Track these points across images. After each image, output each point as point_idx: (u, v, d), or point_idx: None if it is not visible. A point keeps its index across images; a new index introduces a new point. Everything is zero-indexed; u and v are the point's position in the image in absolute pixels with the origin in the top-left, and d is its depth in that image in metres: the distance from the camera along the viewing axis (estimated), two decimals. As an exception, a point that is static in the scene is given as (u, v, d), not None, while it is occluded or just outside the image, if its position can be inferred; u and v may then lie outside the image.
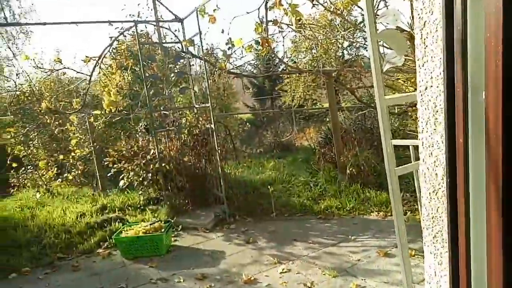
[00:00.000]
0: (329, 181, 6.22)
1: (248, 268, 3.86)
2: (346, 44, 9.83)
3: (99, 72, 6.21)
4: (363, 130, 7.29)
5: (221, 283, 3.60)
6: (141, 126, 7.13)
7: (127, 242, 4.38)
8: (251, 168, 7.73)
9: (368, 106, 7.05)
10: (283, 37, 4.86)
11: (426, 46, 1.21)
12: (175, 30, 6.34)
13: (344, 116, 8.12)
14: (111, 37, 5.97)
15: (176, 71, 6.31)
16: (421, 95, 1.25)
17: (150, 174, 5.71)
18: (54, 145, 8.21)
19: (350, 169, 5.95)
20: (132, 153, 5.90)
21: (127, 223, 5.14)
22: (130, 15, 10.71)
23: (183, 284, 3.64)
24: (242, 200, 5.73)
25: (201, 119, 6.01)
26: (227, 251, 4.35)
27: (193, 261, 4.16)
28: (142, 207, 5.86)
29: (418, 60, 1.25)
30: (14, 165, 7.29)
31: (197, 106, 6.11)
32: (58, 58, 6.23)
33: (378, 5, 3.81)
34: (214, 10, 4.46)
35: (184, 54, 5.84)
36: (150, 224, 4.57)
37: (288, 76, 10.62)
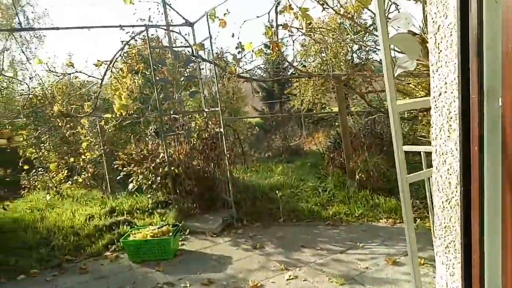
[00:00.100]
0: (338, 187, 6.16)
1: (255, 274, 3.82)
2: (355, 47, 9.79)
3: (110, 76, 6.27)
4: (373, 135, 7.22)
5: (228, 288, 3.57)
6: (151, 129, 7.16)
7: (134, 245, 4.38)
8: (259, 173, 7.70)
9: (378, 111, 6.99)
10: (293, 41, 4.84)
11: (440, 51, 1.18)
12: (185, 34, 6.37)
13: (354, 120, 8.06)
14: (122, 41, 6.01)
15: (186, 75, 6.34)
16: (435, 101, 1.21)
17: (159, 178, 5.72)
18: (65, 147, 8.29)
19: (359, 174, 5.88)
20: (141, 156, 5.92)
21: (135, 226, 5.15)
22: (141, 19, 10.80)
23: (190, 289, 3.63)
24: (250, 204, 5.70)
25: (210, 123, 6.01)
26: (234, 256, 4.32)
27: (200, 265, 4.14)
28: (150, 211, 5.87)
29: (432, 65, 1.22)
30: (26, 167, 7.37)
31: (206, 110, 6.12)
32: (71, 62, 6.31)
33: (389, 8, 3.77)
34: (224, 15, 4.48)
35: (194, 58, 5.86)
36: (158, 228, 4.57)
37: (297, 79, 10.59)
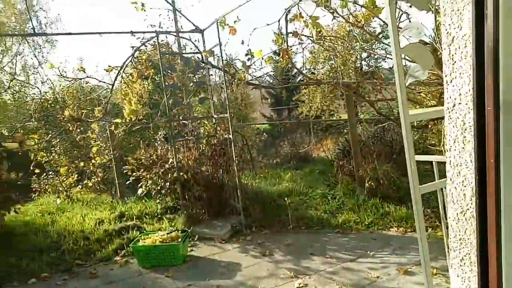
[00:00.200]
0: (347, 194, 6.13)
1: (264, 282, 3.81)
2: (364, 55, 9.78)
3: (120, 81, 6.34)
4: (382, 143, 7.17)
5: (237, 295, 3.57)
6: (160, 135, 7.22)
7: (144, 251, 4.40)
8: (268, 179, 7.70)
9: (387, 119, 6.95)
10: (303, 49, 4.85)
11: (455, 62, 1.18)
12: (195, 40, 6.43)
13: (363, 128, 8.03)
14: (132, 47, 6.09)
15: (195, 81, 6.39)
16: (449, 112, 1.21)
17: (168, 183, 5.75)
18: (75, 152, 8.38)
19: (369, 182, 5.85)
20: (150, 161, 5.97)
21: (144, 231, 5.17)
22: (151, 25, 10.95)
23: (198, 295, 3.63)
24: (258, 211, 5.69)
25: (219, 128, 6.04)
26: (243, 263, 4.32)
27: (209, 272, 4.14)
28: (159, 216, 5.90)
29: (446, 76, 1.22)
30: (37, 171, 7.46)
31: (215, 116, 6.15)
32: (82, 67, 6.40)
33: (400, 17, 3.77)
34: (234, 22, 4.51)
35: (204, 64, 5.91)
36: (167, 233, 4.59)
37: (306, 86, 10.60)
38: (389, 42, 2.10)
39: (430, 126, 6.04)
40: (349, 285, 3.55)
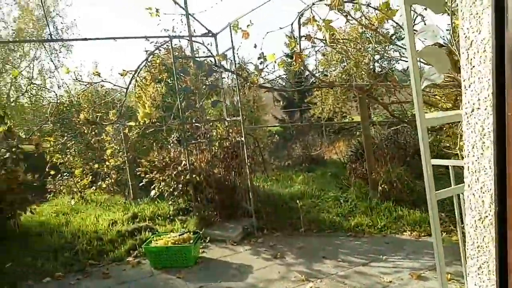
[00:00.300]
0: (360, 198, 6.07)
1: (275, 284, 3.80)
2: (377, 56, 9.69)
3: (134, 85, 6.41)
4: (396, 145, 7.10)
5: (249, 298, 3.56)
6: (173, 137, 7.27)
7: (156, 252, 4.43)
8: (279, 181, 7.68)
9: (401, 121, 6.88)
10: (316, 52, 4.84)
11: (473, 66, 1.16)
12: (208, 44, 6.48)
13: (376, 130, 7.96)
14: (146, 51, 6.16)
15: (208, 84, 6.43)
16: (467, 117, 1.19)
17: (180, 185, 5.79)
18: (89, 154, 8.52)
19: (382, 185, 5.78)
20: (163, 164, 6.02)
21: (157, 232, 5.21)
22: (164, 29, 11.05)
23: (210, 298, 3.63)
24: (270, 213, 5.68)
25: (231, 131, 6.06)
26: (254, 265, 4.31)
27: (220, 274, 4.15)
28: (171, 217, 5.94)
29: (464, 80, 1.20)
30: (52, 172, 7.59)
31: (228, 118, 6.18)
32: (97, 71, 6.50)
33: (415, 19, 3.73)
34: (247, 26, 4.52)
35: (216, 68, 5.94)
36: (179, 235, 4.61)
37: (318, 88, 10.56)
38: (402, 44, 2.09)
39: (445, 128, 5.96)
40: (362, 289, 3.51)
